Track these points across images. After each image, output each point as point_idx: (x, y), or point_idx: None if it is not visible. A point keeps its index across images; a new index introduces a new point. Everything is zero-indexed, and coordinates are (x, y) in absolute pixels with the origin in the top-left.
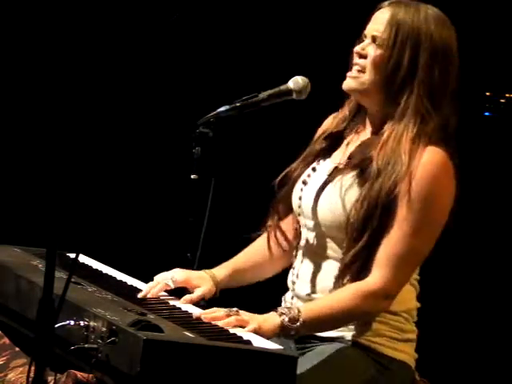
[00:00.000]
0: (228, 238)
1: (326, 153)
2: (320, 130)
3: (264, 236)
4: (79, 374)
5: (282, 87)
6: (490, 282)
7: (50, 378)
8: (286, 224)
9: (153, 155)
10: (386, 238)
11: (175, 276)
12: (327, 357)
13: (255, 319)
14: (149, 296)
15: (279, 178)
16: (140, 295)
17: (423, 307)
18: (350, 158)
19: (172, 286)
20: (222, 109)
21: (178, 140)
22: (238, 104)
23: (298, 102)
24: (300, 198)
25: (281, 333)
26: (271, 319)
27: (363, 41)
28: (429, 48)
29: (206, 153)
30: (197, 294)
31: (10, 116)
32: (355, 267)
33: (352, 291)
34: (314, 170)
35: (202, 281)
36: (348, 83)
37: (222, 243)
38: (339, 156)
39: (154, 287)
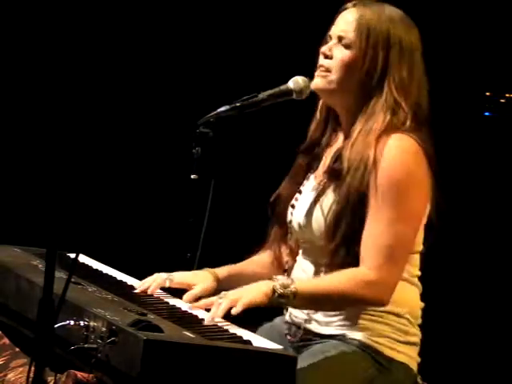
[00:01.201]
0: (228, 238)
1: (310, 169)
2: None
3: (268, 251)
4: (79, 374)
5: (282, 87)
6: (493, 286)
7: (50, 378)
8: (286, 242)
9: (153, 155)
10: (368, 231)
11: (172, 276)
12: (327, 354)
13: (244, 291)
14: (147, 289)
15: (272, 199)
16: (138, 289)
17: (425, 310)
18: (326, 171)
19: (167, 285)
20: (222, 109)
21: (178, 140)
22: (237, 104)
23: (299, 102)
24: (290, 222)
25: (272, 298)
26: (263, 284)
27: (327, 42)
28: (398, 47)
29: (206, 153)
30: (197, 289)
31: (10, 116)
32: (336, 265)
33: (349, 276)
34: (300, 192)
35: (202, 278)
36: (316, 83)
37: (222, 243)
38: (320, 172)
39: (150, 283)
